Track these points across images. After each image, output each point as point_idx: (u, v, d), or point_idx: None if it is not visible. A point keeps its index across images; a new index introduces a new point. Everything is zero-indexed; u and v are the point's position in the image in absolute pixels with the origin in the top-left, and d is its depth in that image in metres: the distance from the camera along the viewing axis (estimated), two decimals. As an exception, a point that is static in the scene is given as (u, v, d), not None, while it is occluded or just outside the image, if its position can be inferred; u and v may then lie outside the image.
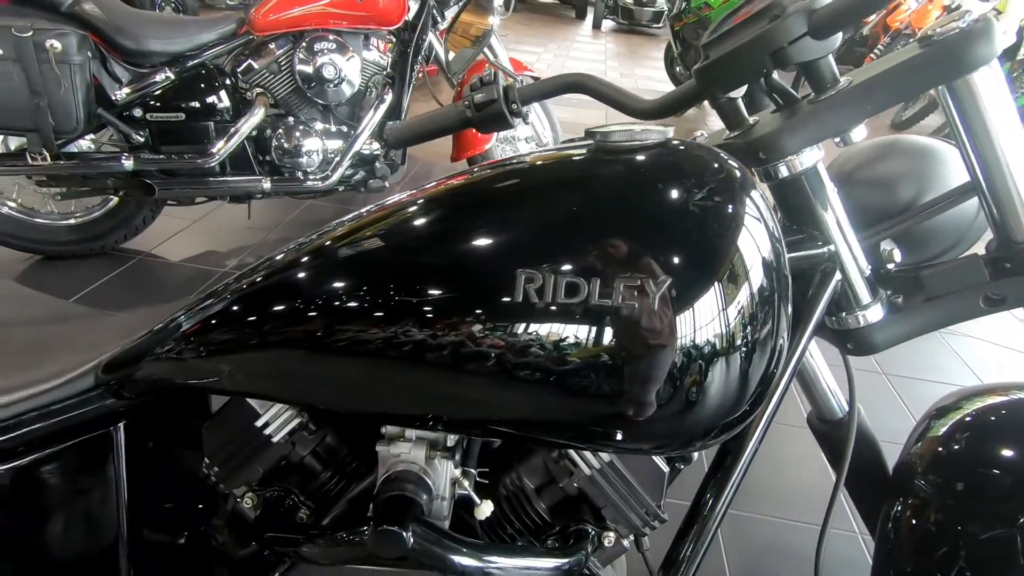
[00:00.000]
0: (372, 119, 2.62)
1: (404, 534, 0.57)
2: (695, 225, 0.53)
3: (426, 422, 0.58)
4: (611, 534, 0.73)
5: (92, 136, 2.50)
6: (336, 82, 2.50)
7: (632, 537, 0.77)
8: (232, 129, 2.42)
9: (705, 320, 0.56)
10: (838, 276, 0.75)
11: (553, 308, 0.51)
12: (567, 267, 0.51)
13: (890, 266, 0.77)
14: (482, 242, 0.54)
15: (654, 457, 0.73)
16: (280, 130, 2.55)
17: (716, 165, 0.56)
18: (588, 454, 0.71)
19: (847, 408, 1.00)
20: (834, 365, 0.94)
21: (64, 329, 0.81)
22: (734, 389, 0.60)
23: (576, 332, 0.52)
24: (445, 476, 0.68)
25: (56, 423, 0.69)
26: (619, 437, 0.57)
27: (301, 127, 2.56)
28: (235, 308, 0.63)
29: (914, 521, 0.91)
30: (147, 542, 0.76)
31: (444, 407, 0.57)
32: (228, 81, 2.45)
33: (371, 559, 0.60)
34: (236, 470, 0.75)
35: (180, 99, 2.37)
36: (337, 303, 0.58)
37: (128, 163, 2.32)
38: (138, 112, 2.33)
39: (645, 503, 0.73)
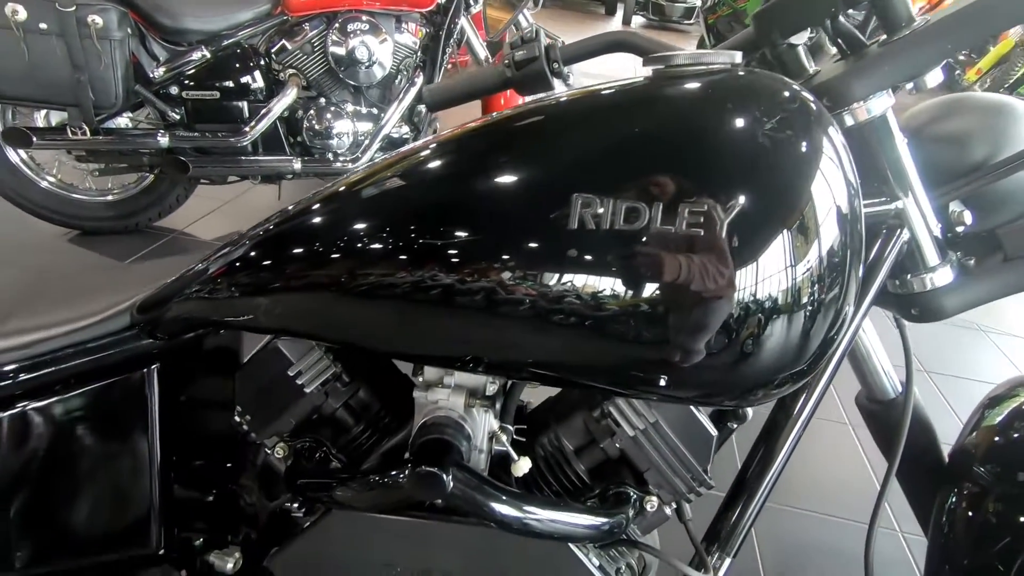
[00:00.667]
0: (402, 102, 2.61)
1: (444, 476, 0.54)
2: (765, 156, 0.49)
3: (467, 363, 0.56)
4: (653, 499, 0.69)
5: (129, 115, 2.53)
6: (368, 64, 2.50)
7: (674, 505, 0.73)
8: (264, 109, 2.43)
9: (769, 263, 0.52)
10: (905, 236, 0.70)
11: (610, 235, 0.48)
12: (627, 191, 0.48)
13: (959, 229, 0.72)
14: (537, 166, 0.51)
15: (703, 419, 0.69)
16: (312, 111, 2.56)
17: (789, 95, 0.52)
18: (632, 413, 0.68)
19: (900, 388, 0.95)
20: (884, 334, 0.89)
21: (103, 277, 0.81)
22: (794, 343, 0.56)
23: (632, 262, 0.49)
24: (483, 428, 0.65)
25: (92, 361, 0.68)
26: (665, 383, 0.54)
27: (332, 109, 2.57)
28: (270, 247, 0.62)
29: (972, 512, 0.87)
30: (178, 487, 0.75)
31: (486, 346, 0.54)
32: (262, 61, 2.46)
33: (407, 503, 0.58)
34: (268, 420, 0.73)
35: (215, 78, 2.39)
36: (377, 237, 0.56)
37: (164, 140, 2.35)
38: (174, 89, 2.36)
39: (691, 467, 0.69)
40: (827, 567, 1.54)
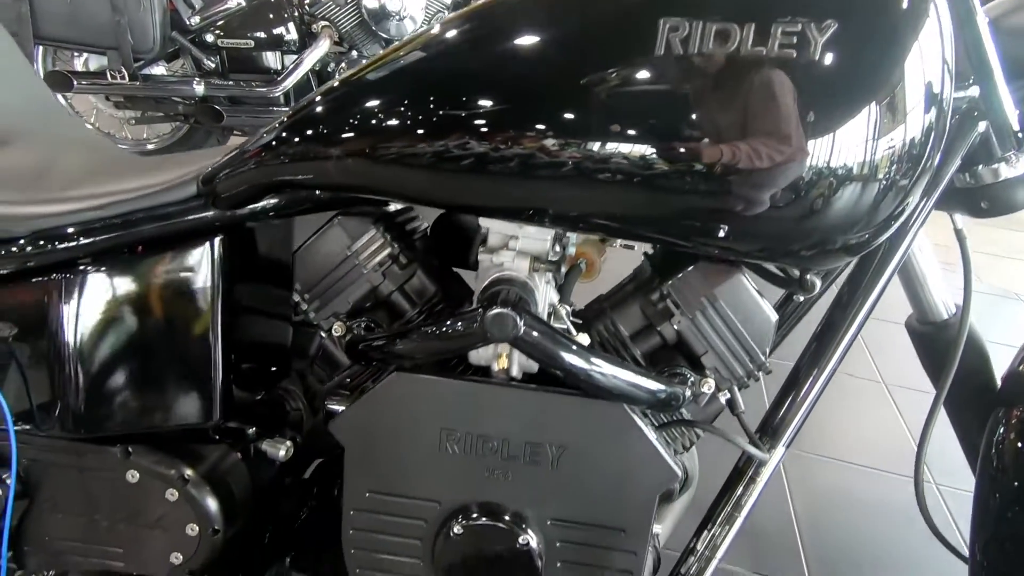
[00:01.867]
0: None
1: (516, 316, 0.54)
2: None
3: (533, 215, 0.55)
4: (710, 381, 0.69)
5: (166, 66, 2.56)
6: (400, 17, 2.49)
7: (727, 396, 0.73)
8: (297, 60, 2.44)
9: (853, 125, 0.51)
10: (981, 126, 0.68)
11: (698, 60, 0.47)
12: (718, 11, 0.47)
13: None
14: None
15: (763, 302, 0.69)
16: (343, 65, 2.56)
17: None
18: (691, 293, 0.67)
19: (955, 310, 0.93)
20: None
21: (170, 160, 0.82)
22: (861, 211, 0.55)
23: (716, 92, 0.48)
24: (545, 296, 0.65)
25: (157, 228, 0.69)
26: (725, 233, 0.54)
27: (364, 61, 2.57)
28: (333, 108, 0.62)
29: None
30: (237, 366, 0.76)
31: (552, 194, 0.54)
32: (295, 12, 2.47)
33: (476, 343, 0.57)
34: (326, 299, 0.74)
35: (249, 27, 2.40)
36: (442, 87, 0.56)
37: (199, 88, 2.37)
38: (209, 38, 2.38)
39: (750, 350, 0.69)
40: (858, 514, 1.53)
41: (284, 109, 2.52)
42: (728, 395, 0.73)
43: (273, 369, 0.86)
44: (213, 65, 2.41)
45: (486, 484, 0.66)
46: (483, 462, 0.66)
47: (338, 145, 0.60)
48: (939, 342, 0.94)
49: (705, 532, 0.75)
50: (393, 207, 0.79)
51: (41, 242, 0.67)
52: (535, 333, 0.56)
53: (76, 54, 2.47)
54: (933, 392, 0.86)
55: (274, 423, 0.90)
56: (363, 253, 0.72)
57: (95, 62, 2.49)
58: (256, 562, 0.85)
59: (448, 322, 0.59)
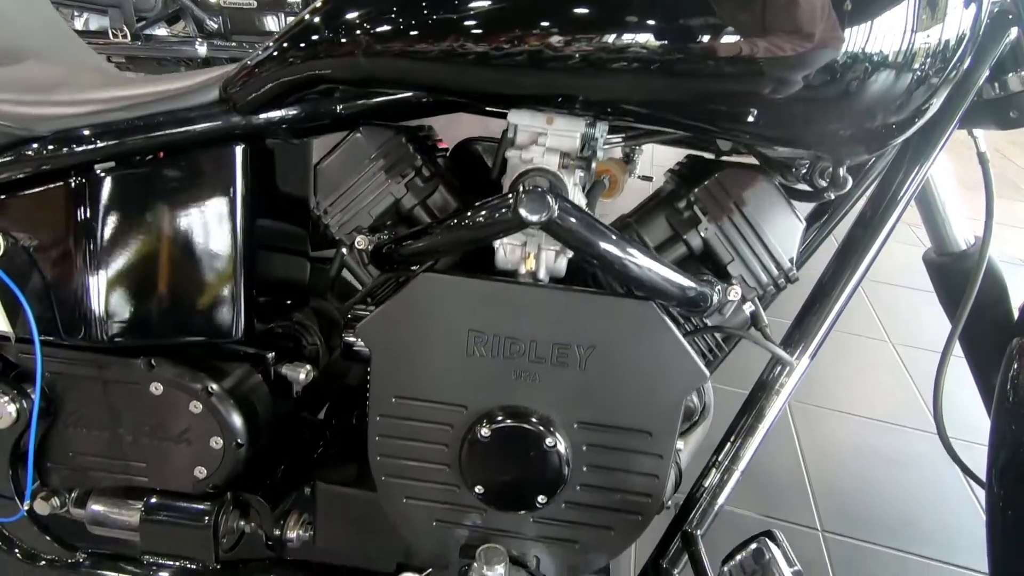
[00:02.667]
0: None
1: (551, 197, 0.54)
2: None
3: (562, 102, 0.55)
4: (736, 287, 0.69)
5: (167, 28, 2.53)
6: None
7: (751, 308, 0.73)
8: (302, 21, 2.41)
9: (894, 8, 0.51)
10: (1013, 32, 0.68)
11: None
12: None
13: None
14: None
15: (791, 207, 0.68)
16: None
17: None
18: (719, 196, 0.67)
19: (973, 240, 0.93)
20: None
21: (194, 71, 0.80)
22: (891, 102, 0.55)
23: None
24: (574, 196, 0.65)
25: (182, 133, 0.68)
26: (755, 118, 0.54)
27: None
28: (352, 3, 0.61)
29: None
30: (259, 281, 0.76)
31: (580, 79, 0.53)
32: (299, -27, 2.43)
33: (510, 228, 0.57)
34: (348, 211, 0.73)
35: (253, -13, 2.37)
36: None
37: (202, 49, 2.34)
38: (212, -2, 2.35)
39: (776, 256, 0.69)
40: (866, 463, 1.55)
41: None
42: (752, 307, 0.73)
43: (289, 303, 0.86)
44: (216, 26, 2.38)
45: (513, 387, 0.66)
46: (511, 364, 0.66)
47: (363, 36, 0.59)
48: (957, 273, 0.94)
49: (728, 444, 0.76)
50: (415, 124, 0.79)
51: (63, 143, 0.66)
52: (570, 217, 0.56)
53: (77, 13, 2.43)
54: (938, 351, 0.86)
55: (292, 355, 0.90)
56: (386, 163, 0.72)
57: (96, 22, 2.46)
58: (274, 488, 0.86)
59: (480, 208, 0.58)
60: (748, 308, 0.73)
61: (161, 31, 2.48)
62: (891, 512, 1.40)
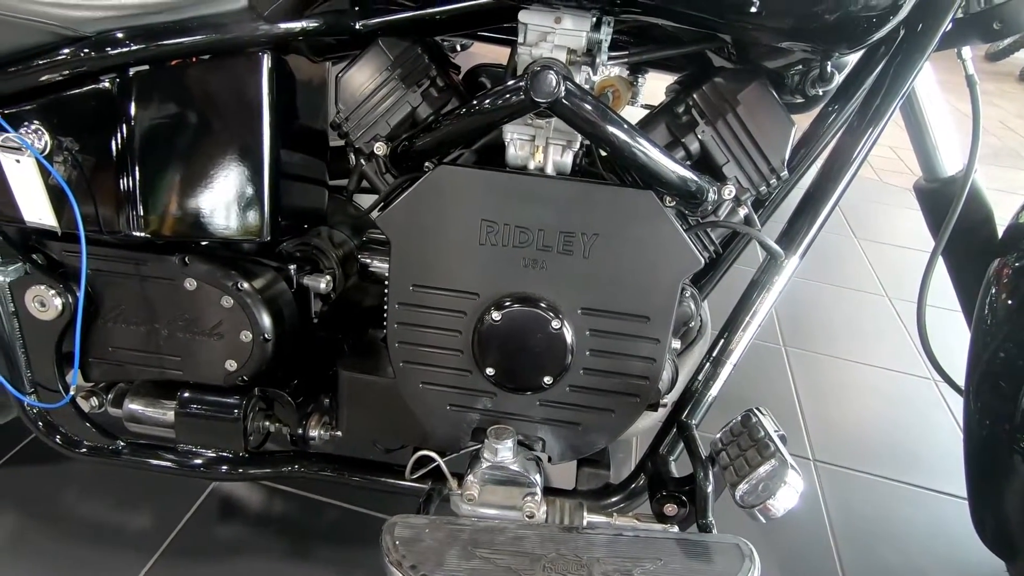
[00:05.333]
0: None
1: (560, 76, 0.59)
2: None
3: None
4: (730, 186, 0.74)
5: None
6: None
7: (744, 212, 0.77)
8: None
9: None
10: None
11: None
12: None
13: None
14: None
15: (781, 107, 0.73)
16: None
17: None
18: (715, 99, 0.72)
19: (961, 167, 0.97)
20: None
21: None
22: None
23: None
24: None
25: (214, 36, 0.72)
26: (757, 8, 0.58)
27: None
28: None
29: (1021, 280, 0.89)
30: (284, 185, 0.81)
31: None
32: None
33: (522, 109, 0.61)
34: (367, 119, 0.78)
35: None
36: None
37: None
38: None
39: (769, 156, 0.73)
40: (860, 403, 1.61)
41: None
42: (746, 210, 0.78)
43: (308, 223, 0.90)
44: None
45: (522, 275, 0.72)
46: (520, 253, 0.71)
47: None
48: (944, 197, 0.98)
49: (722, 340, 0.81)
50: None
51: (106, 43, 0.71)
52: (576, 98, 0.61)
53: None
54: (933, 305, 0.90)
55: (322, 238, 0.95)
56: (403, 71, 0.76)
57: None
58: (298, 390, 0.91)
59: (492, 93, 0.63)
60: (742, 211, 0.78)
61: None
62: (882, 445, 1.46)
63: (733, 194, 0.74)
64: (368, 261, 0.94)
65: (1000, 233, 0.99)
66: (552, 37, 0.67)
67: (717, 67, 0.76)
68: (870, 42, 0.64)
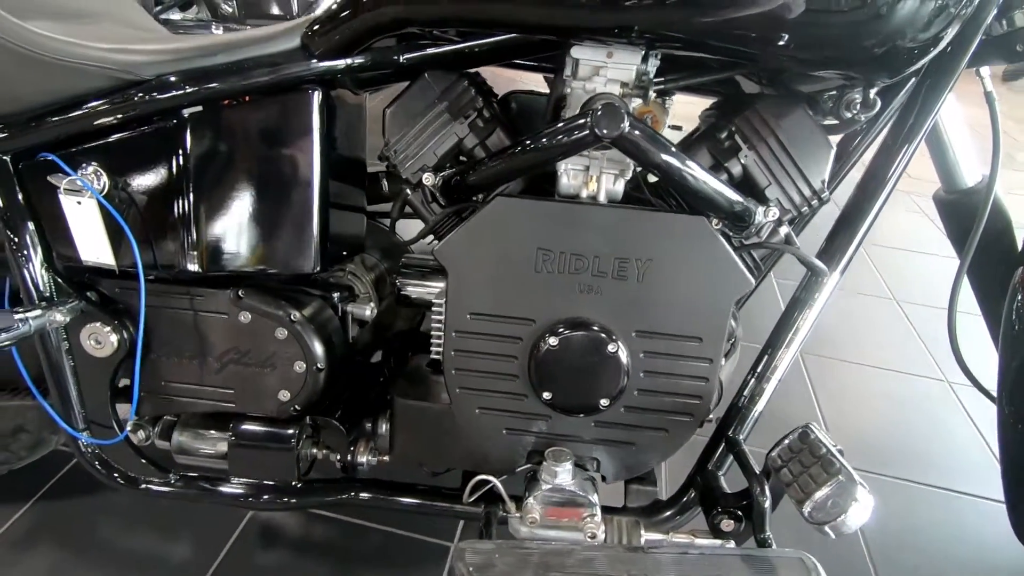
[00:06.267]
0: None
1: (624, 112, 0.61)
2: None
3: (618, 33, 0.61)
4: (774, 208, 0.76)
5: (181, 13, 2.57)
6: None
7: (784, 231, 0.80)
8: (315, 1, 2.46)
9: None
10: None
11: None
12: None
13: None
14: None
15: (821, 131, 0.75)
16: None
17: None
18: (759, 125, 0.74)
19: (980, 178, 1.00)
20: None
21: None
22: (920, 20, 0.61)
23: None
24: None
25: (268, 76, 0.74)
26: (796, 42, 0.60)
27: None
28: None
29: None
30: (332, 218, 0.82)
31: (636, 13, 0.60)
32: (310, -46, 2.47)
33: (585, 144, 0.63)
34: (415, 150, 0.80)
35: (265, -31, 2.41)
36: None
37: (218, 32, 2.38)
38: (225, -19, 2.39)
39: (810, 178, 0.76)
40: (876, 404, 1.64)
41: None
42: (787, 229, 0.80)
43: (347, 251, 0.92)
44: (230, 10, 2.43)
45: (578, 300, 0.74)
46: (575, 279, 0.73)
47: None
48: (965, 208, 1.01)
49: (766, 356, 0.83)
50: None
51: (165, 86, 0.72)
52: (638, 132, 0.63)
53: None
54: (940, 307, 0.92)
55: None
56: (451, 104, 0.78)
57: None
58: (345, 416, 0.92)
59: (555, 128, 0.65)
60: (783, 231, 0.80)
61: (175, 16, 2.52)
62: (898, 446, 1.49)
63: (777, 216, 0.76)
64: (405, 286, 0.96)
65: (1021, 242, 1.02)
66: (604, 71, 0.69)
67: (758, 94, 0.79)
68: (912, 70, 0.67)
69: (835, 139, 0.89)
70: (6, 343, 0.69)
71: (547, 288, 0.74)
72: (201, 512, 1.15)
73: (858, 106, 0.72)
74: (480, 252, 0.73)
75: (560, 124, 0.64)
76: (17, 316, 0.71)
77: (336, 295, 0.93)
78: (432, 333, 0.86)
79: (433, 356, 0.86)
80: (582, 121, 0.61)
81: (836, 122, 0.85)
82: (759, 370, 0.83)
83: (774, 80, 0.79)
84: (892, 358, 1.82)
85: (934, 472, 1.42)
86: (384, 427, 0.94)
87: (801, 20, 0.60)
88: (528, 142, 0.67)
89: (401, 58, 0.79)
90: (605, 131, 0.60)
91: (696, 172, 0.66)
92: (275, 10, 2.44)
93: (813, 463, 0.65)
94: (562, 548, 0.70)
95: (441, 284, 0.81)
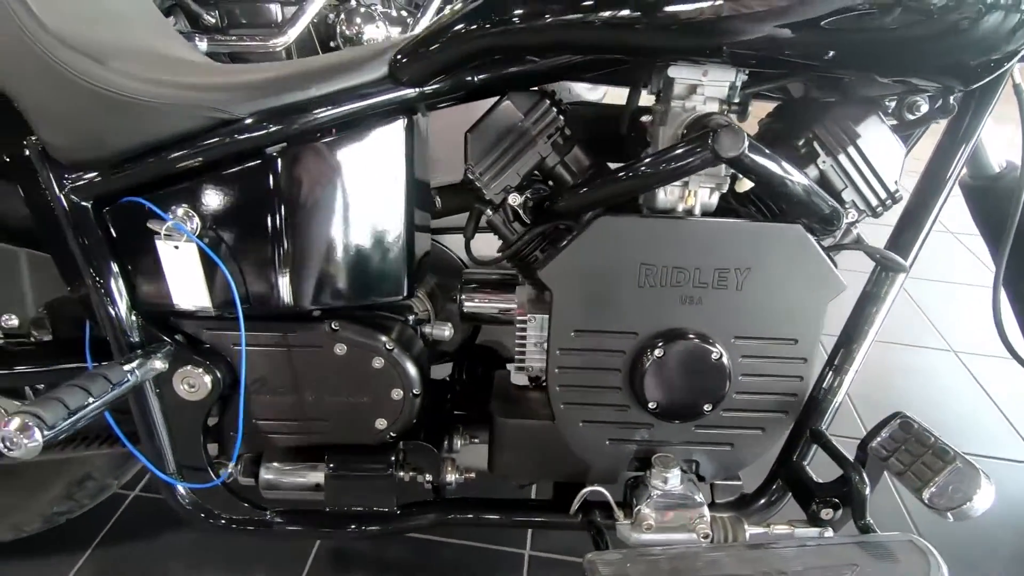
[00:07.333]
0: (432, 3, 2.60)
1: (742, 134, 0.62)
2: None
3: (712, 52, 0.63)
4: (852, 211, 0.80)
5: (155, 25, 2.47)
6: (398, -38, 2.47)
7: (856, 230, 0.84)
8: (298, 11, 2.40)
9: None
10: None
11: None
12: None
13: None
14: None
15: (894, 135, 0.79)
16: (343, 15, 2.54)
17: None
18: (838, 131, 0.77)
19: (1005, 164, 1.06)
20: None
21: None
22: (1004, 32, 0.65)
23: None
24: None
25: (358, 107, 0.73)
26: (894, 55, 0.64)
27: (362, 11, 2.54)
28: None
29: None
30: (415, 238, 0.82)
31: (735, 35, 0.61)
32: (291, -39, 2.41)
33: (705, 164, 0.65)
34: (498, 171, 0.80)
35: (246, -21, 2.34)
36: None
37: (202, 44, 2.29)
38: (206, -8, 2.31)
39: (885, 181, 0.79)
40: (895, 379, 1.72)
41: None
42: (857, 230, 0.84)
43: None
44: (212, 20, 2.35)
45: (679, 311, 0.76)
46: (677, 292, 0.75)
47: (542, 6, 0.66)
48: (992, 194, 1.07)
49: (842, 349, 0.87)
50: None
51: (260, 123, 0.71)
52: (756, 150, 0.65)
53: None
54: (938, 280, 0.97)
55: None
56: (535, 125, 0.79)
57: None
58: (433, 437, 0.93)
59: (671, 151, 0.67)
60: (855, 231, 0.84)
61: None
62: (926, 418, 1.58)
63: (855, 218, 0.80)
64: (469, 302, 0.96)
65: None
66: (701, 89, 0.71)
67: (829, 101, 0.82)
68: (997, 75, 0.71)
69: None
70: (118, 397, 0.67)
71: (649, 301, 0.76)
72: (265, 547, 1.14)
73: (920, 109, 0.76)
74: (584, 271, 0.75)
75: (678, 147, 0.66)
76: (126, 368, 0.69)
77: (411, 317, 0.93)
78: (516, 348, 0.87)
79: (515, 370, 0.87)
80: (702, 144, 0.63)
81: (896, 123, 0.89)
82: (836, 363, 0.88)
83: (845, 86, 0.82)
84: (899, 332, 1.92)
85: (949, 437, 1.51)
86: (459, 444, 0.95)
87: (909, 37, 0.63)
88: (645, 164, 0.69)
89: (475, 79, 0.80)
90: (728, 153, 0.62)
91: (803, 182, 0.69)
92: (259, 20, 2.38)
93: (924, 452, 0.69)
94: (685, 551, 0.73)
95: (505, 300, 0.83)
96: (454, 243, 1.17)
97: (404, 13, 2.63)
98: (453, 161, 0.88)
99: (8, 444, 0.55)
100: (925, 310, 2.03)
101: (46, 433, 0.56)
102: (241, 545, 1.13)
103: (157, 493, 1.23)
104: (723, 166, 0.72)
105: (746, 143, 0.63)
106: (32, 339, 0.86)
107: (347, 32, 2.58)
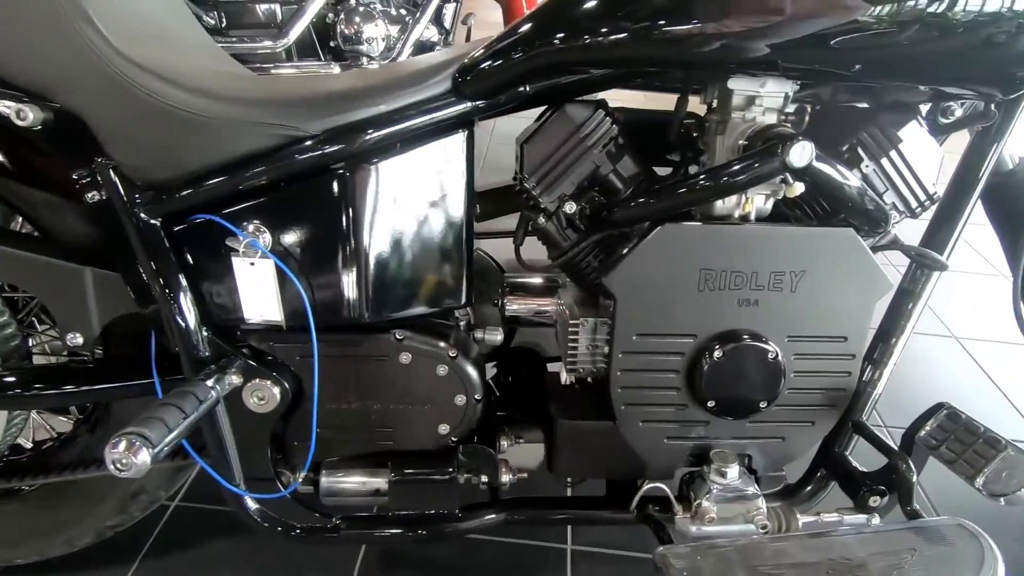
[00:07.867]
0: (431, 3, 2.59)
1: (812, 146, 0.65)
2: None
3: (768, 66, 0.66)
4: (892, 213, 0.83)
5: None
6: (398, -40, 2.46)
7: (893, 231, 0.88)
8: (298, 10, 2.38)
9: None
10: None
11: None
12: None
13: None
14: None
15: (931, 139, 0.83)
16: (342, 15, 2.52)
17: None
18: (881, 137, 0.81)
19: (1018, 160, 1.11)
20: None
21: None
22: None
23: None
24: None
25: (424, 121, 0.75)
26: (945, 67, 0.68)
27: (361, 10, 2.53)
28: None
29: None
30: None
31: (790, 50, 0.64)
32: (291, -40, 2.39)
33: (773, 174, 0.68)
34: (553, 182, 0.82)
35: (246, -22, 2.31)
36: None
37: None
38: (206, -8, 2.28)
39: (924, 184, 0.83)
40: (900, 368, 1.78)
41: (288, 65, 2.46)
42: (894, 231, 0.88)
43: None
44: (212, 22, 2.32)
45: (736, 313, 0.79)
46: (735, 295, 0.78)
47: (624, 22, 0.68)
48: (1007, 189, 1.12)
49: (880, 343, 0.91)
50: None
51: (331, 139, 0.72)
52: (824, 161, 0.68)
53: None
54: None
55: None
56: (590, 134, 0.81)
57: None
58: (488, 438, 0.95)
59: (741, 161, 0.69)
60: (893, 232, 0.88)
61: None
62: (925, 398, 1.64)
63: (897, 219, 0.84)
64: (512, 304, 0.99)
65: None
66: (760, 100, 0.74)
67: (871, 108, 0.85)
68: None
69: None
70: (203, 415, 0.68)
71: (708, 305, 0.79)
72: (310, 551, 1.15)
73: (955, 113, 0.80)
74: (647, 277, 0.77)
75: (747, 158, 0.69)
76: (209, 384, 0.70)
77: (463, 323, 0.95)
78: (567, 351, 0.90)
79: (566, 371, 0.90)
80: (772, 155, 0.66)
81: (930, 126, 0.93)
82: (875, 356, 0.92)
83: (885, 92, 0.85)
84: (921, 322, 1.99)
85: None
86: (505, 444, 0.98)
87: (960, 49, 0.67)
88: (713, 175, 0.71)
89: (528, 88, 0.82)
90: (799, 163, 0.65)
91: (858, 187, 0.73)
92: (259, 21, 2.35)
93: (975, 440, 0.73)
94: (751, 543, 0.76)
95: (545, 303, 0.85)
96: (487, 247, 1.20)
97: (403, 12, 2.62)
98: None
99: (119, 466, 0.56)
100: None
101: (152, 452, 0.58)
102: (286, 550, 1.15)
103: (198, 503, 1.25)
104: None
105: (814, 155, 0.66)
106: (93, 356, 0.87)
107: (346, 31, 2.56)
